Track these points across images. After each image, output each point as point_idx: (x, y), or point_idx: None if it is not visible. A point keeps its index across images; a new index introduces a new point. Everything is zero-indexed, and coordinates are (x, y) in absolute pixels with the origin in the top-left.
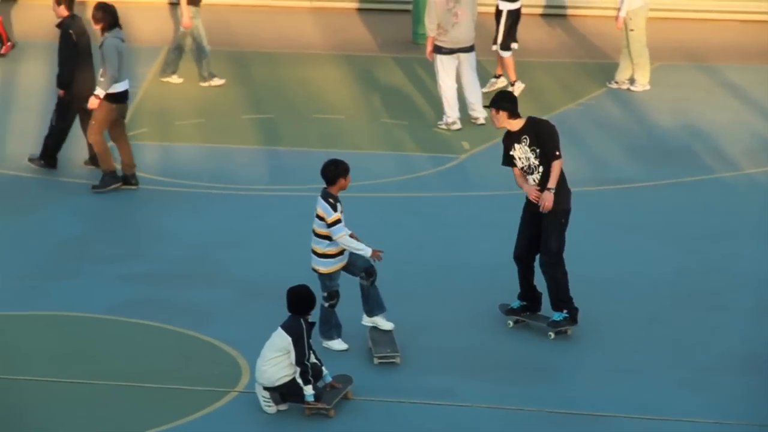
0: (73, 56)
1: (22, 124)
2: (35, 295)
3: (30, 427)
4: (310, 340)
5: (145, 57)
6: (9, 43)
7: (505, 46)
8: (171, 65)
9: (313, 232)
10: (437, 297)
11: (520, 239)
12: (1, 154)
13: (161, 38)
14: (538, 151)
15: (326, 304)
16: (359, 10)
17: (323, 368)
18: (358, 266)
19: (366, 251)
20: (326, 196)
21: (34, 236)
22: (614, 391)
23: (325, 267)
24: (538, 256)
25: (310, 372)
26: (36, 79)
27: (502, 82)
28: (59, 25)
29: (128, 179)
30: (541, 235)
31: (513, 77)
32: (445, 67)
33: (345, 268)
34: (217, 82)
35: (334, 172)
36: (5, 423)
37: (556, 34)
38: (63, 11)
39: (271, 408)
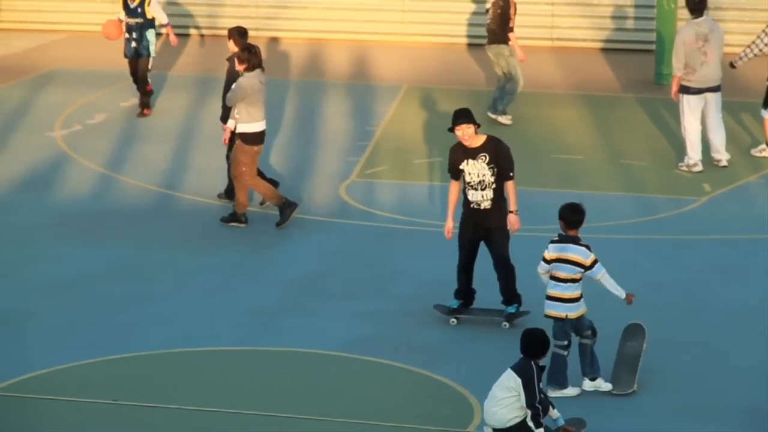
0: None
1: (261, 161)
2: (271, 331)
3: None
4: (541, 384)
5: (384, 96)
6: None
7: None
8: (501, 103)
9: (555, 277)
10: (674, 341)
11: (465, 253)
12: None
13: (399, 77)
14: (495, 169)
15: (563, 353)
16: (601, 50)
17: (555, 410)
18: (584, 324)
19: (621, 293)
20: (575, 240)
21: (271, 272)
22: None
23: (575, 311)
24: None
25: (541, 415)
26: (278, 116)
27: None
28: (229, 59)
29: (240, 217)
30: (483, 243)
31: None
32: (692, 108)
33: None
34: (504, 120)
35: (580, 217)
36: None
37: None
38: (233, 46)
39: None
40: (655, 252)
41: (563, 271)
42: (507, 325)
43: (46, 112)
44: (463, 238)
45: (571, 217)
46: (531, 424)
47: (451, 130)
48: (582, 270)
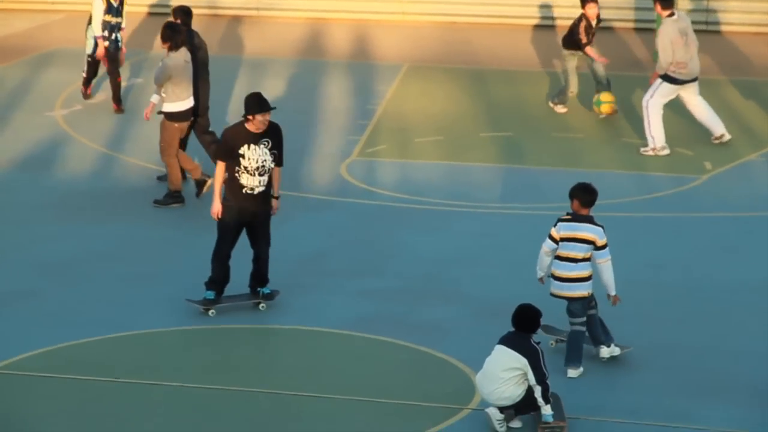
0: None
1: None
2: (272, 309)
3: None
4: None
5: (385, 75)
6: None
7: None
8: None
9: (567, 258)
10: (675, 318)
11: (231, 240)
12: None
13: (400, 56)
14: (275, 155)
15: (583, 329)
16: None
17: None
18: (591, 297)
19: (612, 289)
20: (590, 219)
21: (273, 251)
22: None
23: (587, 290)
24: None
25: (549, 391)
26: (279, 95)
27: None
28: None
29: (201, 183)
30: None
31: None
32: (668, 95)
33: None
34: (560, 109)
35: (594, 196)
36: (252, 430)
37: None
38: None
39: (503, 427)
40: (656, 230)
41: (576, 251)
42: (264, 306)
43: (46, 91)
44: (229, 226)
45: (586, 196)
46: (541, 401)
47: (248, 115)
48: (593, 249)
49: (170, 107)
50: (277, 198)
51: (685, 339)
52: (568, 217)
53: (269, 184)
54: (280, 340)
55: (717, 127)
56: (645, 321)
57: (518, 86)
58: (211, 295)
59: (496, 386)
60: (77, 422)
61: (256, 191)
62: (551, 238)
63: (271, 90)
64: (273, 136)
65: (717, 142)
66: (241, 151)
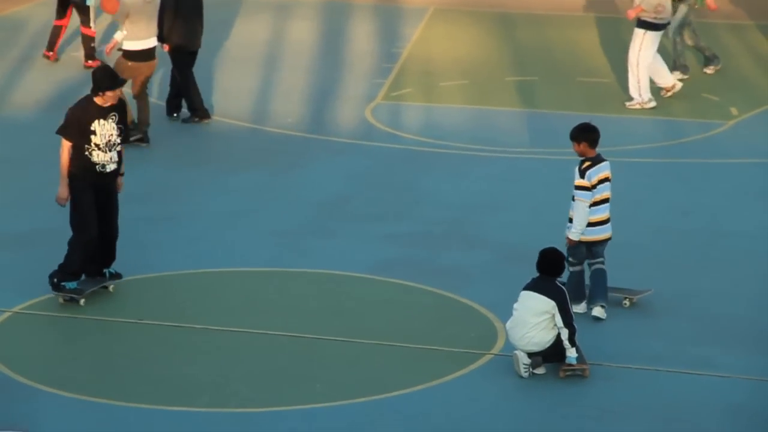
0: (171, 10)
1: (287, 83)
2: (296, 253)
3: (293, 380)
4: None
5: (411, 18)
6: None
7: None
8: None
9: (600, 200)
10: (699, 265)
11: (95, 224)
12: (266, 112)
13: None
14: (122, 128)
15: (605, 267)
16: None
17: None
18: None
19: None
20: (603, 157)
21: (296, 194)
22: None
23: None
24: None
25: (576, 333)
26: (305, 38)
27: None
28: None
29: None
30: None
31: None
32: (655, 44)
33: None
34: (677, 76)
35: (598, 133)
36: (271, 374)
37: None
38: None
39: (527, 372)
40: (683, 176)
41: (607, 191)
42: (112, 287)
43: (70, 32)
44: (89, 207)
45: (595, 135)
46: (567, 344)
47: (100, 91)
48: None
49: (126, 45)
50: (122, 175)
51: (708, 286)
52: (589, 162)
53: (118, 162)
54: (303, 283)
55: (668, 78)
56: (669, 267)
57: (544, 30)
58: (74, 284)
59: (525, 331)
60: (100, 362)
61: (108, 168)
62: (586, 188)
63: (297, 32)
64: (119, 109)
65: (669, 94)
66: (92, 128)
